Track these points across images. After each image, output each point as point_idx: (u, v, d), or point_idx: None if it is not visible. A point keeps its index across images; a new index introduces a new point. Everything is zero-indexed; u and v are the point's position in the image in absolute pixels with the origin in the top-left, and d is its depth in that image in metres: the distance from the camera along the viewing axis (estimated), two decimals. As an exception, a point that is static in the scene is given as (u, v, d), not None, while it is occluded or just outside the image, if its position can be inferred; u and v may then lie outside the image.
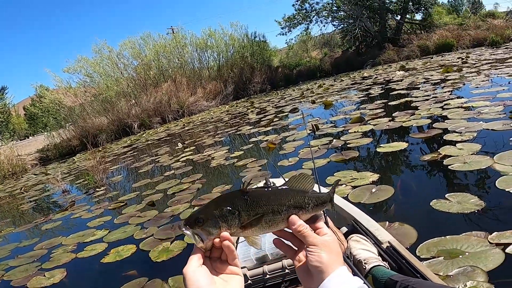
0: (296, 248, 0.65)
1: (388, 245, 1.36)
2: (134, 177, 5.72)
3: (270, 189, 0.66)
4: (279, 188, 0.65)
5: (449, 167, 2.68)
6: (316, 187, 1.88)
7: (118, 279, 2.28)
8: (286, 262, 1.14)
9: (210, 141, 6.73)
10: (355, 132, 4.31)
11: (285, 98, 11.03)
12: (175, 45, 16.70)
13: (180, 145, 7.14)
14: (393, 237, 1.42)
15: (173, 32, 20.02)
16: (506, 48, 10.55)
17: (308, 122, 5.24)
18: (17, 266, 2.90)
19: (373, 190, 2.58)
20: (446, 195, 2.20)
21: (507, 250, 1.54)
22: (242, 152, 4.97)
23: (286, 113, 7.69)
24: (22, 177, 9.91)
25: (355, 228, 1.54)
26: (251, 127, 7.01)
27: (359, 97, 7.09)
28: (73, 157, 10.98)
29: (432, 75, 7.67)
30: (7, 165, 10.74)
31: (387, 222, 2.05)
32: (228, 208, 0.58)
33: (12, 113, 26.28)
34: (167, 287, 2.06)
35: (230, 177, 4.10)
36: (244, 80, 17.42)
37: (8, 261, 3.08)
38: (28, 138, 25.44)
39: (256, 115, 8.72)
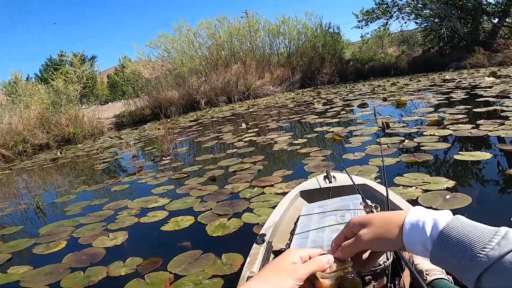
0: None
1: None
2: (197, 150, 5.98)
3: None
4: None
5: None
6: (379, 187, 1.79)
7: (173, 249, 2.33)
8: None
9: (274, 125, 6.78)
10: (430, 135, 4.03)
11: (354, 92, 10.63)
12: (248, 29, 16.94)
13: (244, 125, 7.30)
14: None
15: (247, 16, 20.26)
16: None
17: (379, 118, 5.00)
18: (86, 224, 3.06)
19: (447, 197, 2.41)
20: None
21: None
22: (305, 140, 4.93)
23: (354, 107, 7.42)
24: (99, 138, 10.80)
25: None
26: (316, 116, 6.90)
27: (438, 100, 6.56)
28: (144, 125, 11.81)
29: (528, 85, 6.79)
30: (88, 126, 11.80)
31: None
32: None
33: (97, 80, 28.95)
34: (219, 262, 2.07)
35: (291, 163, 4.10)
36: (312, 70, 17.13)
37: (79, 218, 3.27)
38: (108, 103, 27.91)
39: (323, 105, 8.55)
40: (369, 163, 3.37)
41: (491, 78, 8.53)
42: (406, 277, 1.13)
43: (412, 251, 0.48)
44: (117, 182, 4.44)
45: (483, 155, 3.16)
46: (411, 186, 2.67)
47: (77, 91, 12.61)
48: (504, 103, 5.36)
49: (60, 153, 8.33)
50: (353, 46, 21.97)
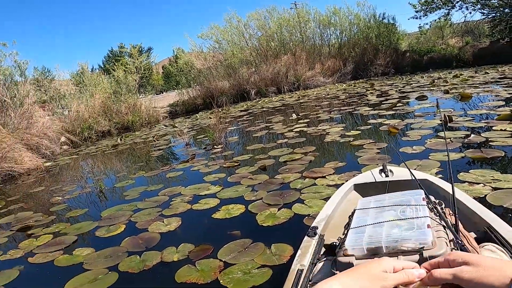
0: None
1: None
2: (248, 140, 6.05)
3: None
4: None
5: None
6: (442, 183, 1.67)
7: (224, 237, 2.34)
8: (403, 258, 0.97)
9: (325, 116, 6.65)
10: (501, 130, 3.69)
11: (411, 84, 10.03)
12: (298, 20, 16.70)
13: (294, 116, 7.26)
14: None
15: (296, 7, 19.93)
16: None
17: (441, 112, 4.69)
18: (143, 209, 3.18)
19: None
20: None
21: None
22: (358, 132, 4.78)
23: (412, 100, 7.02)
24: (155, 126, 11.31)
25: (488, 235, 1.31)
26: (370, 108, 6.64)
27: (510, 93, 5.98)
28: (196, 114, 12.21)
29: None
30: (145, 114, 12.46)
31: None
32: None
33: (153, 70, 30.44)
34: (269, 252, 2.05)
35: (344, 155, 4.01)
36: (365, 61, 16.46)
37: (137, 202, 3.41)
38: (162, 93, 29.21)
39: (376, 97, 8.19)
40: (429, 157, 3.19)
41: None
42: None
43: None
44: (171, 169, 4.64)
45: None
46: (479, 183, 2.48)
47: (136, 81, 13.35)
48: None
49: (120, 140, 8.90)
50: (410, 37, 20.73)
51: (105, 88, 12.13)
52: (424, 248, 0.99)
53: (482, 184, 2.48)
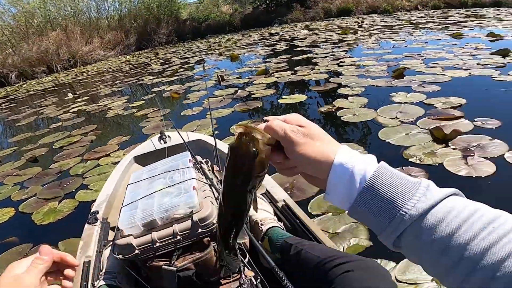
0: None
1: (284, 204, 1.28)
2: (11, 131, 4.88)
3: None
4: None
5: (341, 118, 2.91)
6: (212, 140, 1.77)
7: None
8: (178, 227, 0.97)
9: (107, 91, 6.08)
10: (259, 83, 4.35)
11: (192, 50, 10.53)
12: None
13: (70, 95, 6.29)
14: (288, 195, 1.35)
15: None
16: (394, 16, 11.71)
17: (214, 73, 5.10)
18: None
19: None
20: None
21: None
22: (143, 102, 4.63)
23: (192, 64, 7.36)
24: None
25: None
26: (154, 77, 6.53)
27: (266, 52, 7.15)
28: None
29: (332, 36, 8.12)
30: None
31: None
32: None
33: None
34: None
35: (128, 128, 3.78)
36: (148, 31, 16.05)
37: None
38: None
39: (160, 65, 8.15)
40: (206, 116, 3.40)
41: (305, 31, 9.82)
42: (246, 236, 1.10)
43: (332, 195, 0.40)
44: None
45: (300, 97, 3.63)
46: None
47: None
48: (314, 51, 6.26)
49: None
50: (190, 6, 21.63)
51: None
52: (193, 212, 0.98)
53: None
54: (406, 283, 1.22)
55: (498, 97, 2.97)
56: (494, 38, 5.35)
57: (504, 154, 1.99)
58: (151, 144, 1.81)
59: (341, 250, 1.42)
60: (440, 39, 5.89)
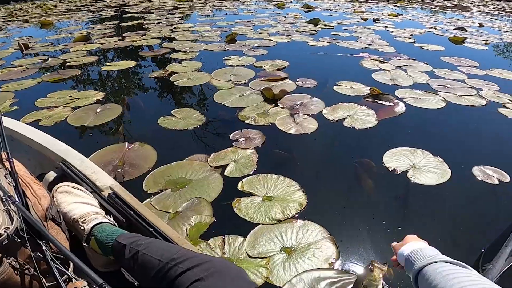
0: None
1: (111, 192, 1.02)
2: None
3: None
4: None
5: (175, 83, 2.70)
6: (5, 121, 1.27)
7: None
8: None
9: None
10: (78, 50, 3.66)
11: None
12: None
13: None
14: (115, 180, 1.08)
15: None
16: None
17: (16, 40, 4.01)
18: None
19: (98, 110, 2.23)
20: (172, 111, 2.18)
21: (225, 173, 1.57)
22: None
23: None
24: None
25: (65, 173, 1.08)
26: None
27: (89, 18, 6.16)
28: None
29: (166, 3, 7.68)
30: None
31: (127, 143, 1.79)
32: None
33: None
34: None
35: None
36: None
37: None
38: None
39: None
40: (1, 89, 2.62)
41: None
42: (63, 240, 0.79)
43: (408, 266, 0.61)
44: None
45: (128, 63, 3.24)
46: (58, 107, 2.29)
47: None
48: (146, 17, 5.74)
49: None
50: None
51: None
52: None
53: (62, 107, 2.30)
54: (258, 257, 1.14)
55: (313, 60, 3.33)
56: (308, 9, 6.07)
57: (322, 111, 2.19)
58: None
59: (185, 232, 1.24)
60: (266, 8, 6.31)
